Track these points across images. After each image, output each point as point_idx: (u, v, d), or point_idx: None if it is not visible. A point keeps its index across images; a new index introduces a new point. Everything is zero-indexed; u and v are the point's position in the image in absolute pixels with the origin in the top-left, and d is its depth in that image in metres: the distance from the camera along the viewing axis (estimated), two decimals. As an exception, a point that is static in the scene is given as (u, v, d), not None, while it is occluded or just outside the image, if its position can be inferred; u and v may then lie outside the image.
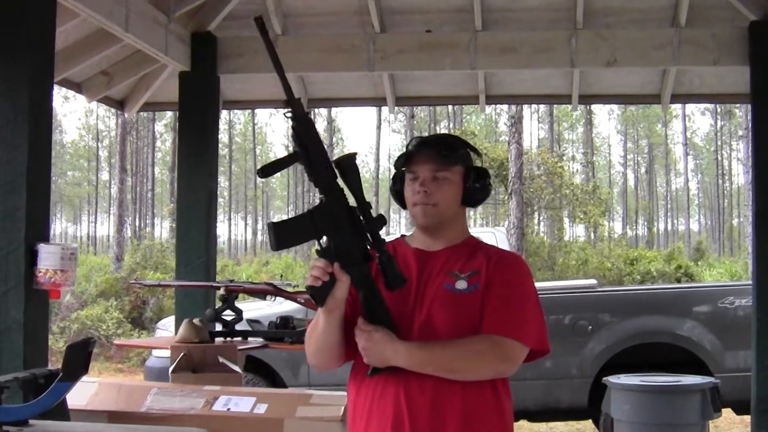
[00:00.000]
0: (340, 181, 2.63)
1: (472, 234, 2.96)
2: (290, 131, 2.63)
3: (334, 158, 2.63)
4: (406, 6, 7.56)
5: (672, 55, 7.27)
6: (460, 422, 2.67)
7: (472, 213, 47.74)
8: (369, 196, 41.96)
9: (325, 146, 2.62)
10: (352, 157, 2.67)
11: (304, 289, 2.73)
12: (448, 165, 2.80)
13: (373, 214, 2.67)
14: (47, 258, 4.67)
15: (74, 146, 66.78)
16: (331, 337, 2.73)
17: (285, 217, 2.61)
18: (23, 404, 3.24)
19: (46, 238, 4.87)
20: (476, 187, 2.85)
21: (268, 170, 2.64)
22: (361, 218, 2.64)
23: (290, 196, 63.83)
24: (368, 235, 2.65)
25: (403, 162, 2.86)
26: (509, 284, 2.76)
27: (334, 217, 2.59)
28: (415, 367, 2.64)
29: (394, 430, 2.68)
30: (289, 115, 2.56)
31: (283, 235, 2.61)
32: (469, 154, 2.92)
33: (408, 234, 3.00)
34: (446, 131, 48.82)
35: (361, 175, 2.68)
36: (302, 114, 2.57)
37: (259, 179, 64.73)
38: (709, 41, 7.22)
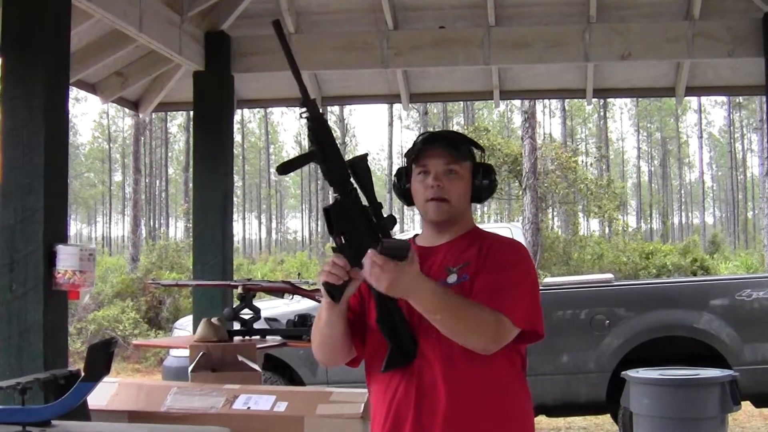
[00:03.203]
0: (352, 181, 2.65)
1: (477, 226, 2.96)
2: (306, 131, 2.65)
3: (347, 159, 2.64)
4: (419, 2, 7.57)
5: (686, 47, 7.25)
6: (476, 413, 2.68)
7: (486, 209, 47.70)
8: (383, 193, 42.00)
9: (339, 145, 2.63)
10: (364, 157, 2.69)
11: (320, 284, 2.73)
12: (459, 159, 2.82)
13: (384, 214, 2.69)
14: (66, 259, 4.70)
15: (90, 147, 67.01)
16: (335, 328, 2.74)
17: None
18: (46, 405, 3.26)
19: (64, 239, 4.89)
20: (484, 184, 2.88)
21: (286, 167, 2.67)
22: (373, 218, 2.66)
23: (304, 194, 63.87)
24: (380, 234, 2.66)
25: (414, 157, 2.87)
26: (501, 266, 2.75)
27: (350, 215, 2.61)
28: (431, 306, 2.57)
29: (411, 424, 2.69)
30: (305, 115, 2.58)
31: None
32: (474, 151, 2.93)
33: (419, 233, 3.00)
34: (459, 127, 48.84)
35: (372, 174, 2.71)
36: (317, 114, 2.60)
37: (273, 177, 64.92)
38: (723, 33, 7.20)
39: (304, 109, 2.59)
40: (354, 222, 2.61)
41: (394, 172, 3.16)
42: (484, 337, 2.61)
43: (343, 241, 2.61)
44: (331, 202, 2.66)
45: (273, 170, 65.89)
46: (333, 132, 2.63)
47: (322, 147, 2.59)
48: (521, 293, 2.73)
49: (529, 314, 2.71)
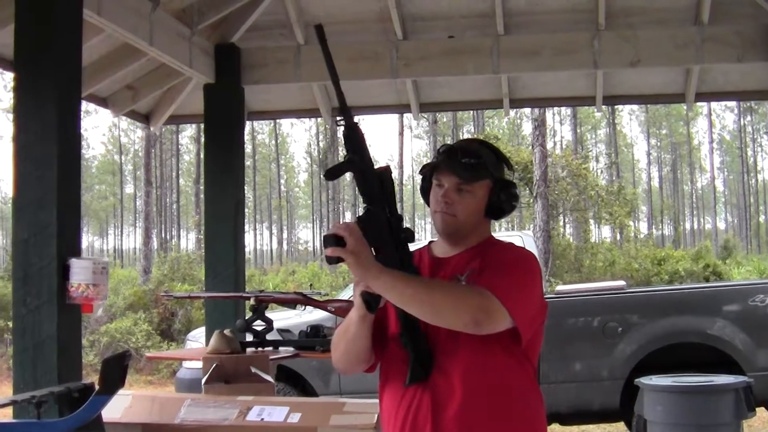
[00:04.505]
0: None
1: (493, 235, 2.96)
2: (342, 139, 2.67)
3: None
4: (428, 12, 7.56)
5: (695, 53, 7.24)
6: (490, 422, 2.68)
7: (497, 217, 47.63)
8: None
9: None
10: (389, 169, 2.71)
11: (336, 297, 2.75)
12: (472, 180, 2.81)
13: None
14: (79, 272, 4.71)
15: (102, 160, 67.25)
16: (362, 339, 2.76)
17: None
18: (62, 418, 3.27)
19: (77, 252, 4.90)
20: (501, 202, 2.85)
21: (334, 173, 2.69)
22: (395, 230, 2.67)
23: (314, 204, 63.92)
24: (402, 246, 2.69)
25: (431, 169, 2.88)
26: (501, 261, 2.75)
27: (380, 226, 2.62)
28: (395, 290, 2.58)
29: None
30: (342, 123, 2.61)
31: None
32: (500, 165, 2.91)
33: (435, 240, 3.01)
34: (470, 136, 48.80)
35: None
36: (353, 123, 2.63)
37: (283, 187, 65.04)
38: (733, 38, 7.18)
39: (340, 118, 2.64)
40: (383, 233, 2.63)
41: (411, 182, 3.17)
42: (468, 311, 2.57)
43: (374, 252, 2.62)
44: (361, 212, 2.68)
45: (283, 181, 66.08)
46: (367, 142, 2.66)
47: (357, 157, 2.61)
48: (511, 277, 2.70)
49: (516, 298, 2.65)
